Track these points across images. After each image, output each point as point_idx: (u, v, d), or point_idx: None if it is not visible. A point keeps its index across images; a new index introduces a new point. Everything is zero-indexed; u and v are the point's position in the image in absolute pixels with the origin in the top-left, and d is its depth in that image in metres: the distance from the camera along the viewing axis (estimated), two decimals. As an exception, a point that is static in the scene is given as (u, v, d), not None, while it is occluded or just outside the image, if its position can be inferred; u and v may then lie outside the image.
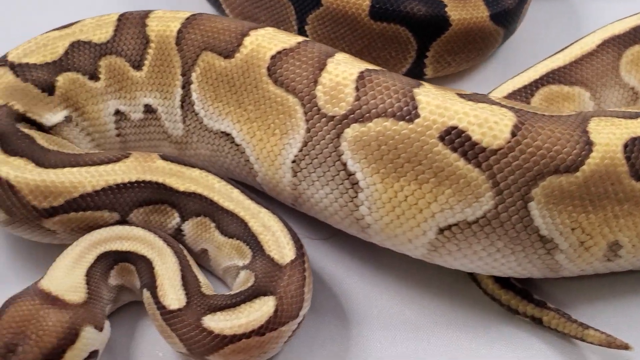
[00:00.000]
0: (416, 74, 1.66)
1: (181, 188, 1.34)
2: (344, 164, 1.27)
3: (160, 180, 1.34)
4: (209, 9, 1.83)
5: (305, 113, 1.29)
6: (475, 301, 1.37)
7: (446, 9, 1.59)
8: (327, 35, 1.63)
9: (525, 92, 1.51)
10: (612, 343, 1.26)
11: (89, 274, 1.26)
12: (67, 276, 1.25)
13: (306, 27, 1.64)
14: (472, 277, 1.38)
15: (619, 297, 1.39)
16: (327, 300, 1.38)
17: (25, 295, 1.22)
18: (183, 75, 1.43)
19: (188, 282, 1.26)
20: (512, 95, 1.50)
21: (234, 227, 1.32)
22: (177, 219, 1.35)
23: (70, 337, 1.18)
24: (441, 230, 1.23)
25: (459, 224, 1.22)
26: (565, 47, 1.59)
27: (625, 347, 1.25)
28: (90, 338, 1.21)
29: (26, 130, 1.36)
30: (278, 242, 1.29)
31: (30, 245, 1.43)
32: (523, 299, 1.34)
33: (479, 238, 1.23)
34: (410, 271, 1.41)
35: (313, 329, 1.33)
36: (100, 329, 1.23)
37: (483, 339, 1.33)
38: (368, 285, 1.40)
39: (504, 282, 1.35)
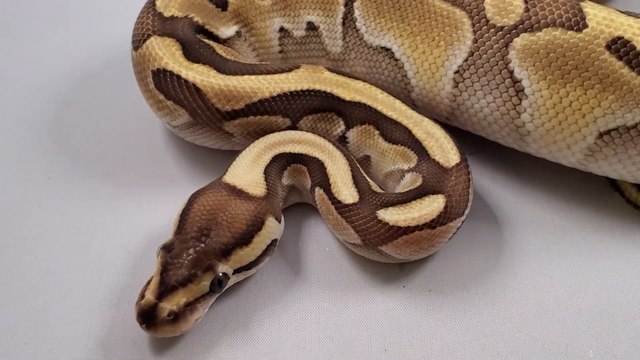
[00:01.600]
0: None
1: (347, 98, 1.43)
2: (511, 72, 1.35)
3: (328, 90, 1.43)
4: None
5: (473, 24, 1.37)
6: (619, 209, 1.45)
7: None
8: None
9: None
10: None
11: (266, 172, 1.37)
12: (248, 173, 1.36)
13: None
14: (616, 186, 1.46)
15: None
16: (479, 208, 1.46)
17: (211, 189, 1.33)
18: None
19: (358, 181, 1.36)
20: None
21: (398, 134, 1.41)
22: (342, 127, 1.44)
23: (257, 225, 1.29)
24: (601, 135, 1.32)
25: (618, 129, 1.30)
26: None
27: None
28: (273, 227, 1.31)
29: (206, 41, 1.46)
30: (442, 148, 1.38)
31: (197, 152, 1.55)
32: (665, 208, 1.43)
33: (636, 143, 1.31)
34: (555, 183, 1.50)
35: (468, 232, 1.42)
36: (279, 221, 1.34)
37: (627, 243, 1.41)
38: (516, 196, 1.49)
39: (647, 192, 1.44)
